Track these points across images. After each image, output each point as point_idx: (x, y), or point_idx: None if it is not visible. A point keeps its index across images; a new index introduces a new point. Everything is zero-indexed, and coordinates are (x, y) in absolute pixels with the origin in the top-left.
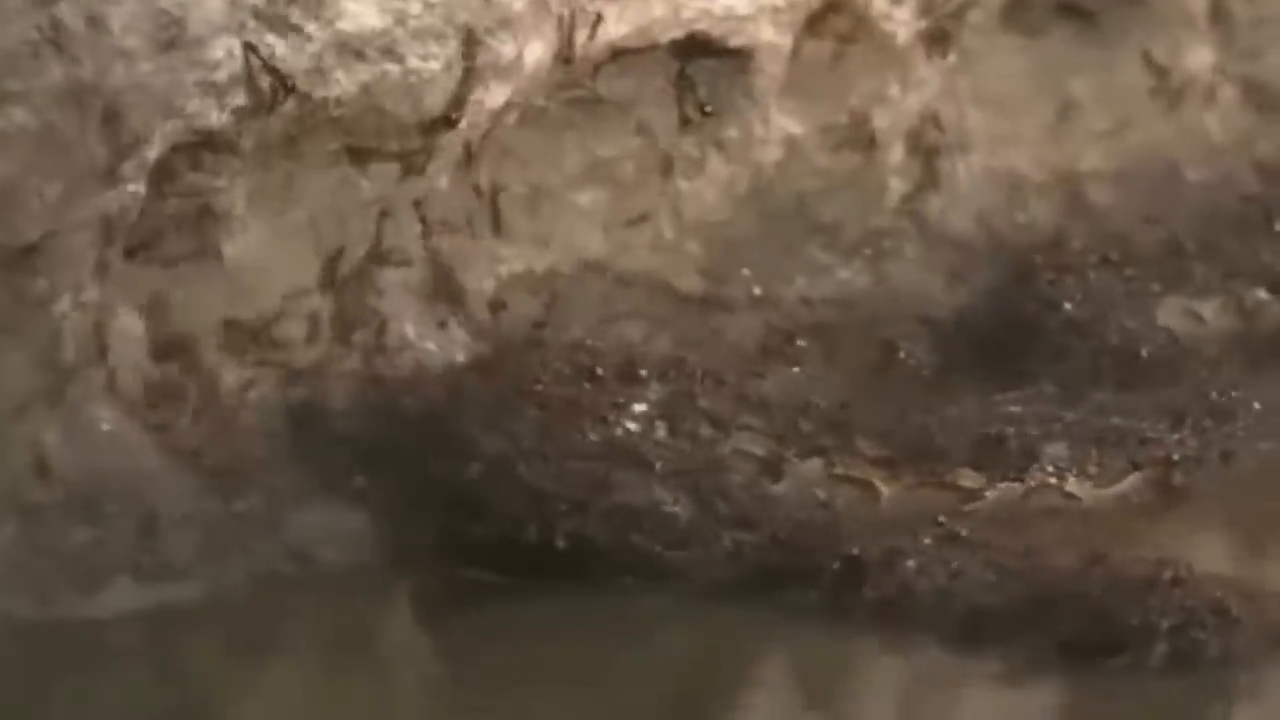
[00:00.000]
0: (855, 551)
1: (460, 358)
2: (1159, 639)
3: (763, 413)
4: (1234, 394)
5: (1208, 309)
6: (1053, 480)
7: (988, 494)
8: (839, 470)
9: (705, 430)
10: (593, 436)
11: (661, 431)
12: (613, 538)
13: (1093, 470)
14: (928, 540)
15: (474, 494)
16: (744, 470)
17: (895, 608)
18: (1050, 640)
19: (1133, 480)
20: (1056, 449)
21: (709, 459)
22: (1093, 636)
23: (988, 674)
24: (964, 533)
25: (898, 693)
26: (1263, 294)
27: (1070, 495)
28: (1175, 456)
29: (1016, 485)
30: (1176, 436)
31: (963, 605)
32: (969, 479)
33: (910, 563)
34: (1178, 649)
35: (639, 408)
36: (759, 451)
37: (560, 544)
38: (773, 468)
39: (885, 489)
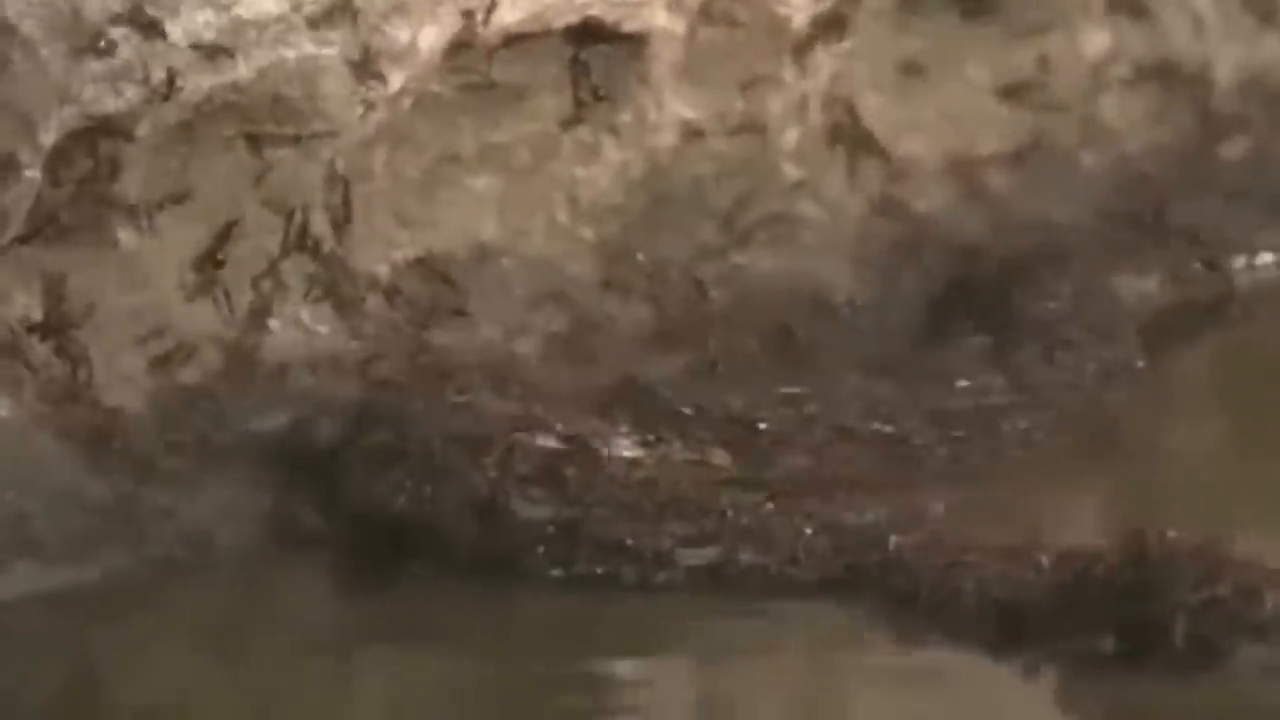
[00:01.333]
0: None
1: (355, 344)
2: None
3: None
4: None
5: (1082, 296)
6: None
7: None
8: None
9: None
10: (479, 425)
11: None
12: (522, 533)
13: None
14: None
15: (366, 481)
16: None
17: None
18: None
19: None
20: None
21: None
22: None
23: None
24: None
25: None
26: (1152, 283)
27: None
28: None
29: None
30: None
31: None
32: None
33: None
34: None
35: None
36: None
37: (461, 532)
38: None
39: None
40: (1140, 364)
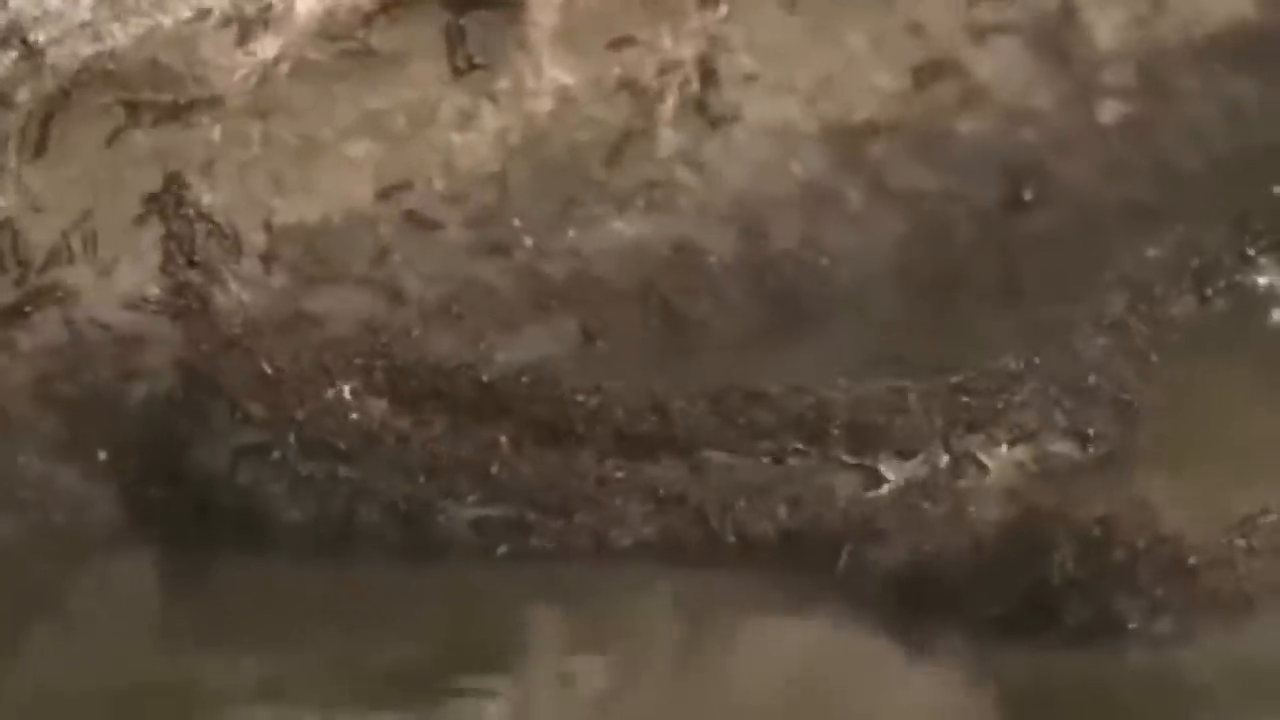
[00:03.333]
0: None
1: (231, 313)
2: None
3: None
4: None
5: None
6: None
7: None
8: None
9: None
10: (353, 411)
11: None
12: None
13: None
14: None
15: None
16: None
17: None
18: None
19: None
20: None
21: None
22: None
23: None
24: None
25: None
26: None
27: None
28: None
29: None
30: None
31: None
32: None
33: None
34: None
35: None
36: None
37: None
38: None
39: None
40: None
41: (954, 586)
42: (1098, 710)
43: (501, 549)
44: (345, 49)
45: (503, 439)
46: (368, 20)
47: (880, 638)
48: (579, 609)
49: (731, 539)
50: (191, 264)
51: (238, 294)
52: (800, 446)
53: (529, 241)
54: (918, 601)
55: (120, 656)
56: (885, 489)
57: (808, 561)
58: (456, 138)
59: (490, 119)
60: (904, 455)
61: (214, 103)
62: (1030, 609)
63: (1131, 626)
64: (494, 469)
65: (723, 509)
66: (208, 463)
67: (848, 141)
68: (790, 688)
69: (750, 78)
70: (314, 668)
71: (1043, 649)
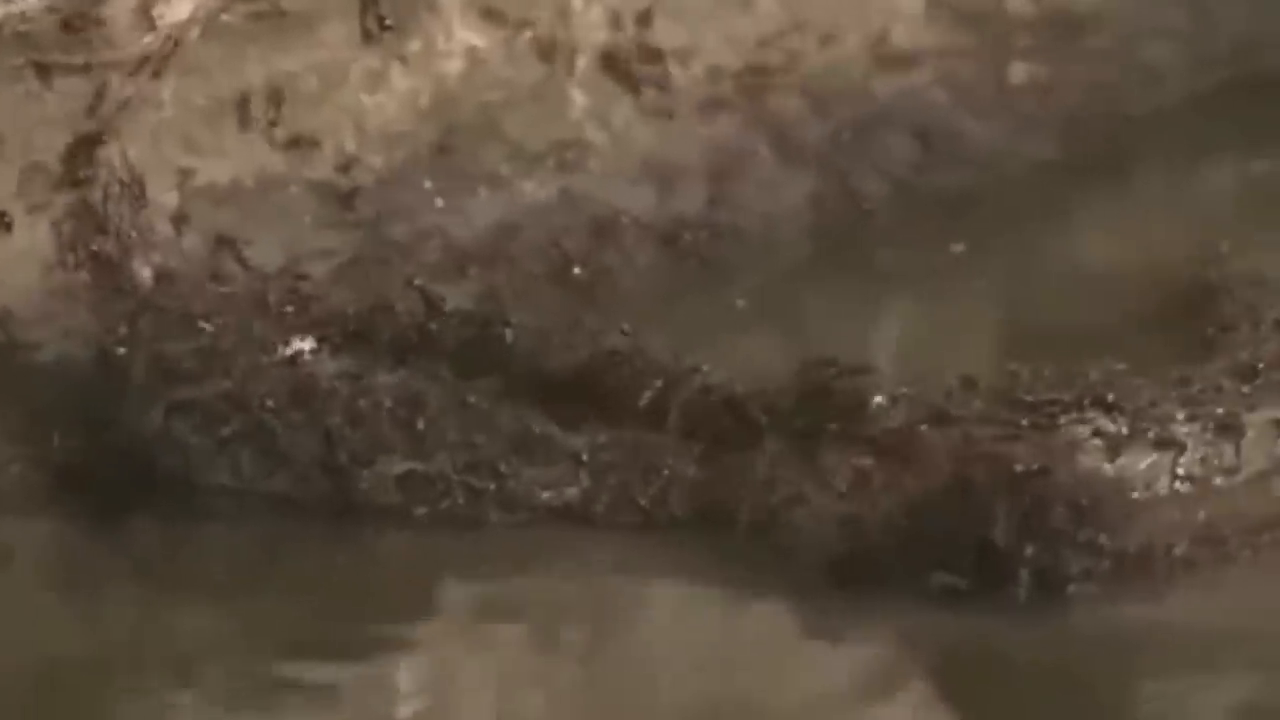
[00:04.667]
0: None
1: (145, 274)
2: None
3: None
4: None
5: None
6: None
7: None
8: None
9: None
10: (272, 368)
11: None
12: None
13: None
14: None
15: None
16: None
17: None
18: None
19: None
20: None
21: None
22: None
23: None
24: None
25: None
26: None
27: None
28: None
29: None
30: None
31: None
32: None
33: None
34: None
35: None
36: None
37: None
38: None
39: None
40: None
41: (881, 553)
42: (1026, 675)
43: (422, 508)
44: (256, 10)
45: (428, 395)
46: None
47: (807, 604)
48: (498, 570)
49: (653, 506)
50: (102, 228)
51: (150, 255)
52: (734, 414)
53: (439, 202)
54: (845, 568)
55: (39, 619)
56: (812, 455)
57: (729, 528)
58: (367, 99)
59: (400, 80)
60: (833, 424)
61: (125, 65)
62: (963, 573)
63: (1071, 590)
64: (420, 425)
65: (644, 476)
66: (129, 424)
67: (759, 101)
68: (709, 654)
69: (662, 38)
70: (234, 625)
71: (974, 614)
